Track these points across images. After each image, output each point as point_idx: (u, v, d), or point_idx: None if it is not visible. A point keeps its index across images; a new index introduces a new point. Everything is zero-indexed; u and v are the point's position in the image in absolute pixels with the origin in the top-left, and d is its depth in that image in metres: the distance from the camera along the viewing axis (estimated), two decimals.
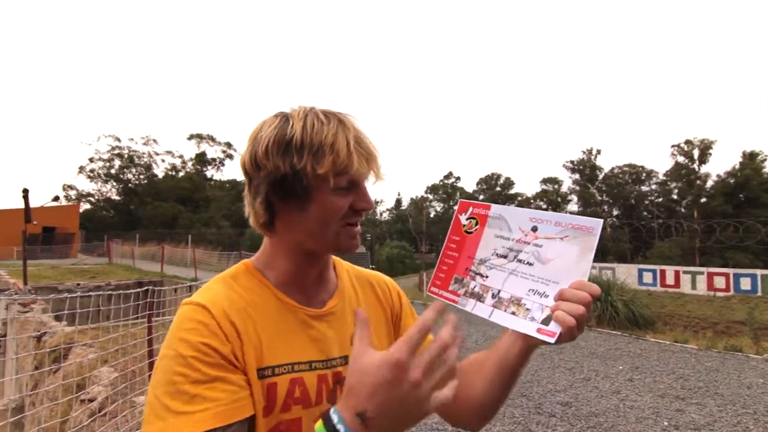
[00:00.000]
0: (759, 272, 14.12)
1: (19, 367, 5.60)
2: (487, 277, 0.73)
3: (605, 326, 9.05)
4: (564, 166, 52.71)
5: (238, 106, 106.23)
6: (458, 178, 61.08)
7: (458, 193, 58.79)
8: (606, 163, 69.01)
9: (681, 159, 43.31)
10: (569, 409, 4.40)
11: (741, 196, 38.12)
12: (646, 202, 48.84)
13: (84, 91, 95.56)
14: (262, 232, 0.75)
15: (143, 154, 53.67)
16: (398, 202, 63.11)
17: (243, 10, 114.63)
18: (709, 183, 41.02)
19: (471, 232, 0.78)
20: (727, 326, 10.95)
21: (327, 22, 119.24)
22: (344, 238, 0.72)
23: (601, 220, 0.65)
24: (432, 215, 57.70)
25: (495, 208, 0.77)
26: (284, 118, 0.70)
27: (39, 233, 29.69)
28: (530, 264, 0.69)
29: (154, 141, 54.93)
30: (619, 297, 9.50)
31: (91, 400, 3.59)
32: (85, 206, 49.55)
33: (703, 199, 40.56)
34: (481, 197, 55.12)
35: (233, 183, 55.94)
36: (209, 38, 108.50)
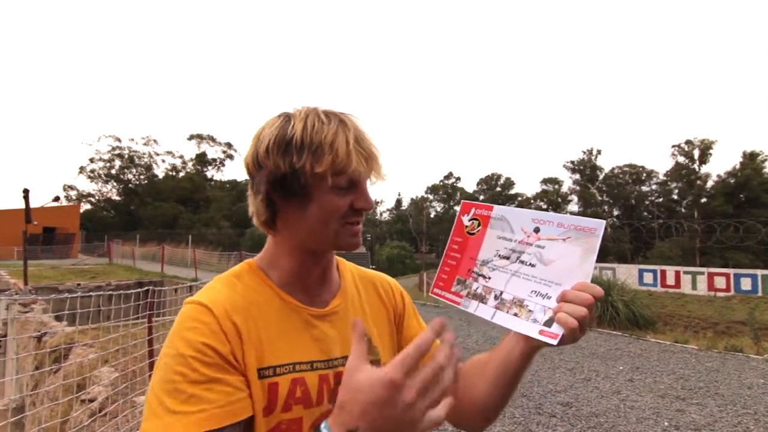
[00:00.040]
0: (759, 272, 14.10)
1: (20, 367, 5.60)
2: (489, 278, 0.72)
3: (606, 326, 9.04)
4: (564, 166, 52.76)
5: (239, 106, 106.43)
6: (458, 179, 61.12)
7: (458, 194, 58.77)
8: (606, 163, 69.13)
9: (681, 159, 43.31)
10: (570, 409, 4.40)
11: (741, 196, 38.10)
12: (647, 202, 48.82)
13: (84, 91, 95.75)
14: (264, 230, 0.75)
15: (143, 154, 53.75)
16: (398, 202, 63.17)
17: (243, 10, 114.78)
18: (710, 183, 41.01)
19: (473, 233, 0.77)
20: (727, 326, 10.94)
21: (328, 23, 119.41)
22: (344, 236, 0.72)
23: (604, 221, 0.65)
24: (432, 215, 57.71)
25: (497, 209, 0.76)
26: (286, 118, 0.71)
27: (39, 233, 29.69)
28: (532, 265, 0.69)
29: (155, 141, 55.03)
30: (619, 297, 9.50)
31: (91, 400, 3.59)
32: (85, 206, 49.65)
33: (704, 200, 40.54)
34: (482, 197, 55.09)
35: (233, 183, 55.99)
36: (210, 38, 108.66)
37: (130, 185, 52.60)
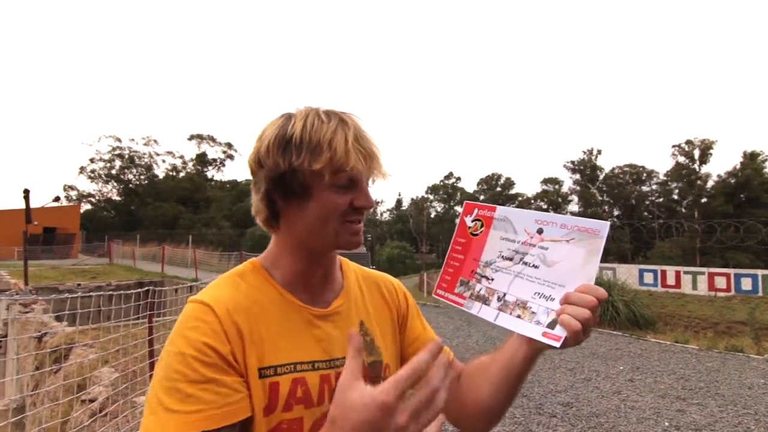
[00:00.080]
0: (760, 272, 14.10)
1: (20, 367, 5.61)
2: (492, 279, 0.72)
3: (606, 327, 9.04)
4: (564, 166, 52.78)
5: (239, 106, 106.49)
6: (459, 179, 61.12)
7: (459, 194, 58.75)
8: (606, 163, 69.18)
9: (682, 159, 43.32)
10: (570, 409, 4.40)
11: (742, 196, 38.10)
12: (647, 202, 48.82)
13: (85, 91, 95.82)
14: (266, 229, 0.76)
15: (144, 154, 53.79)
16: (399, 202, 63.16)
17: (244, 10, 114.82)
18: (710, 183, 41.02)
19: (476, 234, 0.77)
20: (728, 326, 10.93)
21: (328, 23, 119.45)
22: (345, 235, 0.72)
23: (608, 223, 0.64)
24: (432, 215, 57.72)
25: (500, 210, 0.76)
26: (287, 117, 0.72)
27: (40, 234, 29.70)
28: (536, 267, 0.68)
29: (155, 141, 55.06)
30: (619, 297, 9.49)
31: (91, 401, 3.59)
32: (85, 207, 49.67)
33: (704, 200, 40.54)
34: (482, 197, 55.06)
35: (234, 183, 56.00)
36: (210, 39, 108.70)
37: (131, 185, 52.62)
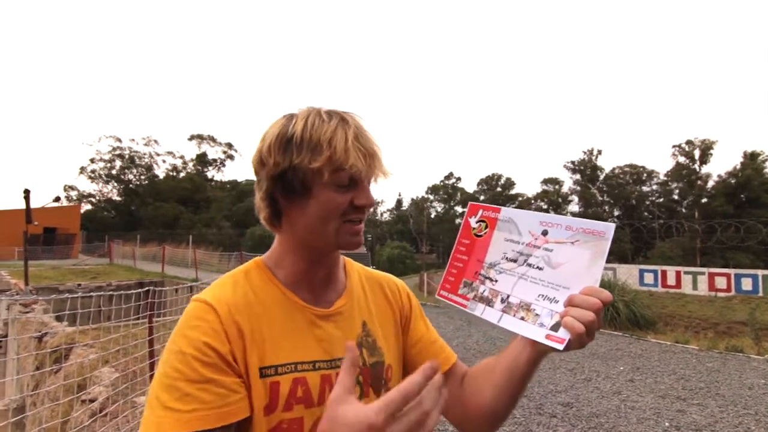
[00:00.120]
0: (760, 273, 14.11)
1: (20, 367, 5.61)
2: (496, 281, 0.72)
3: (606, 327, 9.03)
4: (565, 166, 52.76)
5: (239, 106, 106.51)
6: (459, 179, 61.02)
7: (459, 194, 58.72)
8: (607, 163, 69.23)
9: (682, 159, 43.31)
10: (570, 409, 4.40)
11: (742, 196, 38.10)
12: (647, 202, 48.80)
13: (85, 91, 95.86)
14: (269, 228, 0.76)
15: (144, 154, 53.81)
16: (399, 202, 63.10)
17: (244, 10, 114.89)
18: (710, 183, 41.02)
19: (481, 236, 0.77)
20: (728, 327, 10.93)
21: (328, 24, 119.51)
22: (344, 235, 0.72)
23: (614, 225, 0.64)
24: (433, 216, 57.69)
25: (505, 211, 0.76)
26: (289, 117, 0.72)
27: (40, 234, 29.72)
28: (540, 268, 0.68)
29: (155, 142, 55.10)
30: (620, 297, 9.49)
31: (92, 401, 3.59)
32: (86, 207, 49.69)
33: (704, 200, 40.54)
34: (482, 198, 55.05)
35: (234, 184, 56.03)
36: (210, 39, 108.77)
37: (131, 185, 52.64)
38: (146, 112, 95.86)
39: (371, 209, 0.74)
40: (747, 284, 13.93)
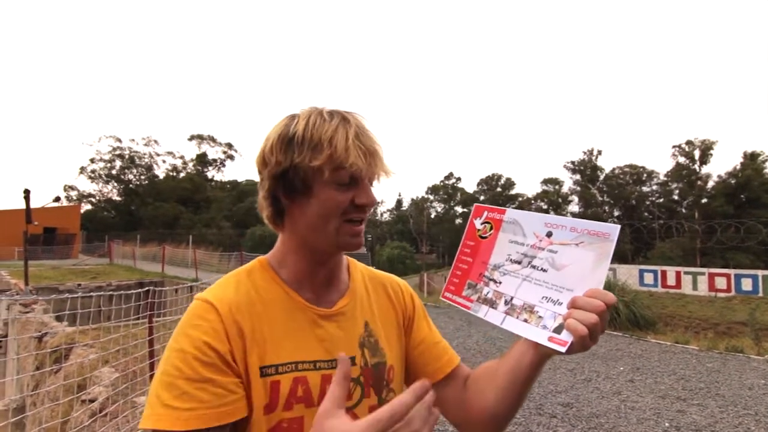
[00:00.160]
0: (760, 273, 14.11)
1: (20, 367, 5.61)
2: (500, 283, 0.72)
3: (606, 327, 9.01)
4: (565, 166, 52.78)
5: (240, 107, 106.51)
6: (459, 179, 61.00)
7: (459, 194, 58.72)
8: (607, 163, 69.22)
9: (682, 159, 43.35)
10: (570, 410, 4.40)
11: (742, 196, 38.13)
12: (647, 202, 48.81)
13: (85, 91, 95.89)
14: (272, 227, 0.77)
15: (144, 154, 53.84)
16: (399, 202, 63.08)
17: (244, 10, 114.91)
18: (710, 183, 41.06)
19: (485, 237, 0.77)
20: (728, 327, 10.94)
21: (328, 24, 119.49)
22: (345, 235, 0.72)
23: (618, 226, 0.63)
24: (432, 216, 57.69)
25: (510, 213, 0.76)
26: (292, 117, 0.73)
27: (40, 234, 29.71)
28: (544, 270, 0.68)
29: (155, 142, 55.15)
30: (620, 298, 9.48)
31: (92, 401, 3.59)
32: (86, 207, 49.71)
33: (704, 200, 40.57)
34: (482, 198, 55.07)
35: (234, 184, 56.05)
36: (210, 39, 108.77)
37: (131, 185, 52.66)
38: (146, 112, 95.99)
39: (372, 209, 0.75)
40: (747, 284, 13.94)
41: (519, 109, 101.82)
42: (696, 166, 42.40)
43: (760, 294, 13.52)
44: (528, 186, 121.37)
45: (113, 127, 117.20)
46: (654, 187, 48.74)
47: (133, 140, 53.45)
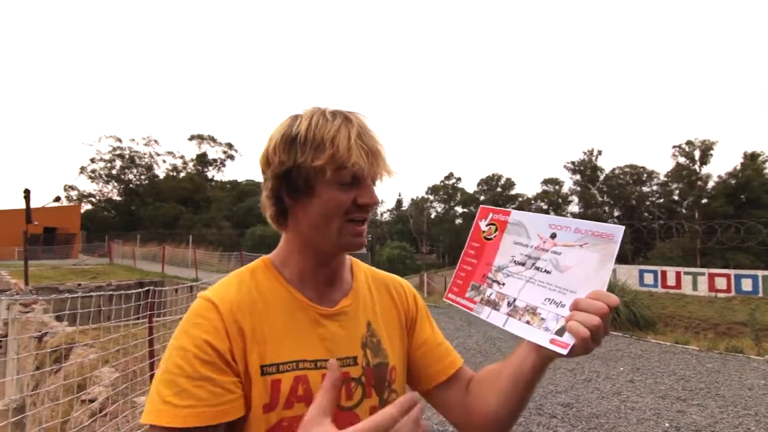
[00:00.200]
0: (760, 273, 14.12)
1: (20, 367, 5.61)
2: (503, 284, 0.71)
3: (609, 330, 9.02)
4: (565, 166, 52.76)
5: (240, 107, 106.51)
6: (459, 179, 60.93)
7: (459, 194, 58.71)
8: (607, 163, 69.22)
9: (682, 160, 43.35)
10: (570, 410, 4.40)
11: (742, 197, 38.12)
12: (647, 202, 48.81)
13: (85, 91, 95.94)
14: (276, 227, 0.77)
15: (144, 154, 53.83)
16: (399, 202, 63.04)
17: (244, 10, 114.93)
18: (711, 184, 41.05)
19: (490, 239, 0.77)
20: (728, 327, 10.94)
21: (329, 24, 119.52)
22: (347, 235, 0.72)
23: (622, 227, 0.63)
24: (433, 216, 57.66)
25: (515, 214, 0.76)
26: (294, 117, 0.74)
27: (40, 234, 29.72)
28: (548, 272, 0.67)
29: (155, 142, 55.10)
30: (620, 298, 9.47)
31: (91, 401, 3.59)
32: (86, 207, 49.72)
33: (704, 200, 40.56)
34: (482, 198, 55.08)
35: (234, 184, 56.06)
36: (211, 39, 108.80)
37: (131, 185, 52.66)
38: (146, 112, 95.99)
39: (375, 209, 0.75)
40: (747, 285, 13.94)
41: (519, 109, 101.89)
42: (696, 167, 42.40)
43: (760, 294, 13.52)
44: (528, 186, 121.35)
45: (113, 127, 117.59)
46: (654, 188, 48.75)
47: (134, 140, 53.50)
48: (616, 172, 49.95)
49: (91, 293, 4.11)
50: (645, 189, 49.12)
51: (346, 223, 0.72)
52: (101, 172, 51.15)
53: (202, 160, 57.05)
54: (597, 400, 4.70)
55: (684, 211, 44.50)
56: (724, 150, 73.69)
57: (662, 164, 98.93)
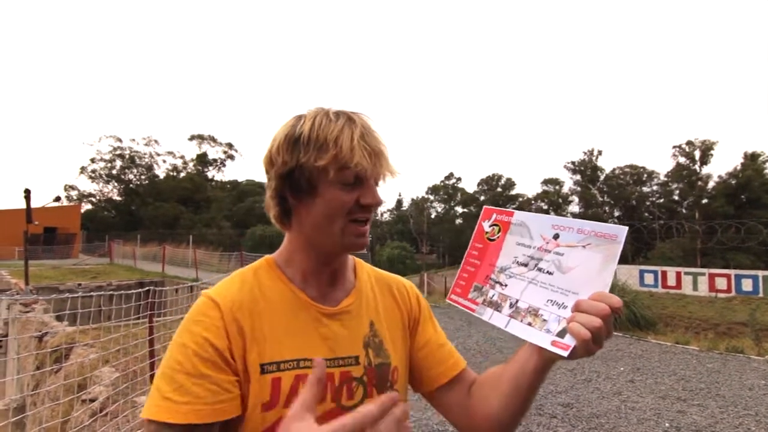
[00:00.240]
0: (760, 273, 14.12)
1: (21, 367, 5.62)
2: (506, 285, 0.71)
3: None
4: (565, 166, 52.67)
5: (240, 107, 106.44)
6: (459, 179, 60.80)
7: (459, 194, 58.67)
8: (607, 163, 69.19)
9: (682, 160, 43.29)
10: (570, 410, 4.40)
11: (742, 197, 38.08)
12: (648, 203, 48.76)
13: (85, 91, 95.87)
14: (280, 227, 0.78)
15: (144, 154, 53.78)
16: (399, 202, 62.99)
17: (245, 10, 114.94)
18: (711, 184, 40.98)
19: (493, 240, 0.76)
20: (728, 327, 10.94)
21: (329, 24, 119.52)
22: (350, 235, 0.73)
23: (626, 228, 0.62)
24: (433, 216, 57.62)
25: (518, 215, 0.75)
26: (298, 117, 0.74)
27: (40, 233, 29.73)
28: (550, 273, 0.67)
29: (156, 142, 55.00)
30: (620, 298, 9.48)
31: (92, 400, 3.59)
32: (86, 206, 49.70)
33: (705, 200, 40.51)
34: (482, 198, 55.03)
35: (234, 184, 56.04)
36: (211, 38, 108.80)
37: (131, 185, 52.65)
38: (146, 112, 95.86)
39: (377, 208, 0.75)
40: (747, 285, 13.94)
41: (519, 109, 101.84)
42: (696, 167, 42.35)
43: (761, 294, 13.52)
44: (528, 186, 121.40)
45: (113, 126, 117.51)
46: (654, 188, 48.68)
47: (134, 140, 53.40)
48: (617, 172, 49.91)
49: (92, 293, 4.12)
50: (645, 189, 49.06)
51: (349, 224, 0.72)
52: (101, 172, 51.16)
53: (203, 160, 57.03)
54: (597, 400, 4.70)
55: (684, 211, 44.46)
56: (724, 150, 73.69)
57: (662, 164, 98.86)
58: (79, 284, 13.41)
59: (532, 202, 53.08)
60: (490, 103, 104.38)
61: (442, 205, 59.99)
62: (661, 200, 47.40)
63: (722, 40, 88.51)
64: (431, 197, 59.98)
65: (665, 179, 46.27)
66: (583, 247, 0.65)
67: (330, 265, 0.78)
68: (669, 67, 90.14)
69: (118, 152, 51.96)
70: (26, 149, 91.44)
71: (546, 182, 55.05)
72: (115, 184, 52.36)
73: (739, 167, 38.91)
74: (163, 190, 49.81)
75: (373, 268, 0.91)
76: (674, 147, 43.39)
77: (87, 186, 60.25)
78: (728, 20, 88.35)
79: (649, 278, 15.44)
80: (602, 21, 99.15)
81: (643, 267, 16.90)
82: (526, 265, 0.70)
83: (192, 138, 56.97)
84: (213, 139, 57.19)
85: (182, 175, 55.14)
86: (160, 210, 46.09)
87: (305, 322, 0.73)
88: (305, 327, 0.73)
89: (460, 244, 44.10)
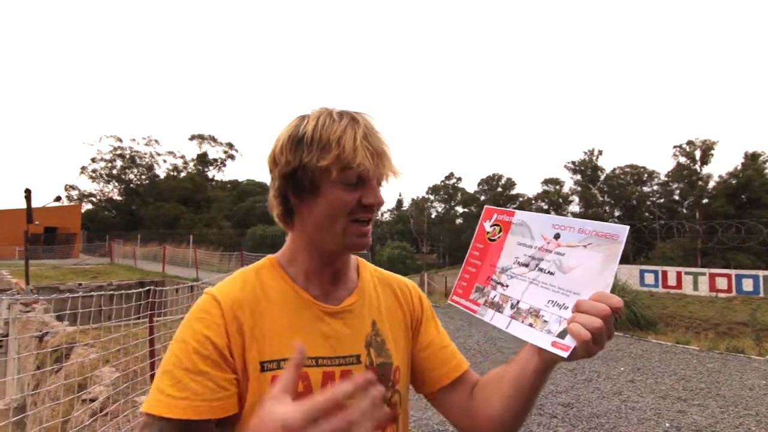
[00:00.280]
0: (761, 273, 14.10)
1: (21, 366, 5.62)
2: (507, 286, 0.71)
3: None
4: (565, 166, 52.65)
5: (240, 106, 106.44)
6: (459, 179, 60.77)
7: (459, 194, 58.66)
8: (607, 163, 69.13)
9: (683, 160, 43.27)
10: (571, 410, 4.39)
11: (743, 197, 38.06)
12: (648, 202, 48.74)
13: (86, 91, 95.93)
14: (282, 226, 0.78)
15: (145, 154, 53.83)
16: (399, 202, 62.95)
17: (245, 10, 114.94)
18: (711, 184, 40.96)
19: (494, 240, 0.76)
20: (729, 327, 10.93)
21: (329, 24, 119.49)
22: (351, 235, 0.73)
23: (627, 227, 0.62)
24: (433, 216, 57.61)
25: (519, 215, 0.75)
26: (302, 118, 0.74)
27: (41, 233, 29.77)
28: (551, 273, 0.66)
29: (156, 141, 55.06)
30: (620, 298, 9.46)
31: (92, 400, 3.60)
32: (86, 206, 49.75)
33: (705, 200, 40.49)
34: (483, 198, 55.02)
35: (235, 183, 56.06)
36: (211, 38, 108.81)
37: (132, 185, 52.69)
38: (147, 112, 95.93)
39: (380, 208, 0.75)
40: (748, 285, 13.93)
41: (519, 109, 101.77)
42: (697, 167, 42.33)
43: (761, 294, 13.51)
44: (528, 186, 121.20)
45: (114, 126, 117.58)
46: (655, 188, 48.65)
47: (134, 140, 53.46)
48: (617, 172, 49.88)
49: (92, 293, 4.13)
50: (646, 189, 49.04)
51: (351, 224, 0.72)
52: (102, 172, 51.20)
53: (203, 159, 57.06)
54: (597, 400, 4.70)
55: (685, 211, 44.43)
56: (724, 150, 73.77)
57: (663, 164, 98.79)
58: (80, 284, 13.42)
59: (533, 202, 53.06)
60: (490, 103, 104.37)
61: (443, 205, 59.98)
62: (662, 200, 47.38)
63: (722, 40, 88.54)
64: (431, 197, 59.96)
65: (666, 179, 46.26)
66: (584, 246, 0.65)
67: (332, 265, 0.78)
68: (669, 67, 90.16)
69: (118, 152, 52.02)
70: (26, 149, 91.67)
71: (546, 182, 55.03)
72: (116, 183, 52.41)
73: (739, 167, 38.91)
74: (164, 190, 49.83)
75: (376, 267, 0.91)
76: (675, 147, 43.43)
77: (87, 186, 60.43)
78: (728, 20, 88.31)
79: (649, 278, 15.42)
80: (602, 21, 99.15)
81: (643, 267, 16.88)
82: (527, 265, 0.70)
83: (192, 138, 57.03)
84: (213, 139, 57.24)
85: (183, 175, 55.17)
86: (161, 210, 46.12)
87: (307, 321, 0.73)
88: (307, 325, 0.73)
89: (460, 244, 44.10)
